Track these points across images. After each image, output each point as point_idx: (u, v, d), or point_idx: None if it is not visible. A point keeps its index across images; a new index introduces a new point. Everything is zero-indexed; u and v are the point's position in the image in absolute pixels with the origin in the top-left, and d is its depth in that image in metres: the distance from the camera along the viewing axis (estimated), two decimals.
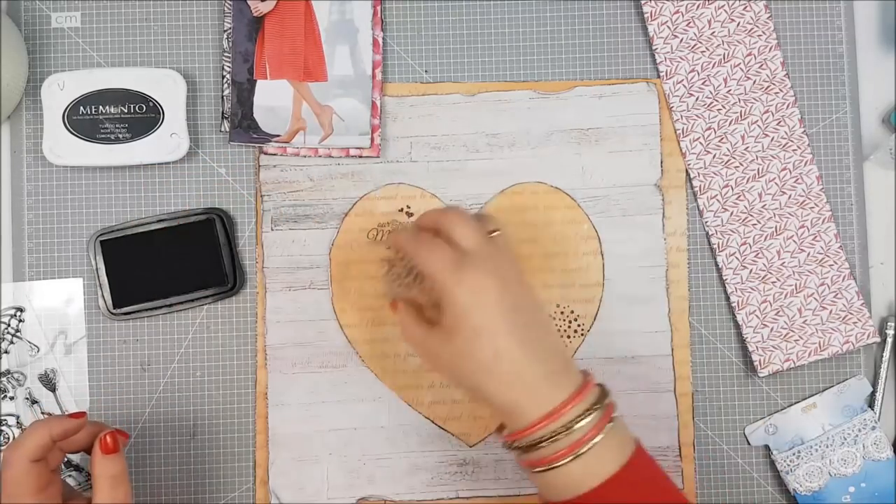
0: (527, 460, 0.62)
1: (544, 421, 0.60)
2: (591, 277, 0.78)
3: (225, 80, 0.77)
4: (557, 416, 0.60)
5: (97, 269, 0.76)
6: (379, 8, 0.78)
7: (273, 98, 0.77)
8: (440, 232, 0.65)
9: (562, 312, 0.78)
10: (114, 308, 0.76)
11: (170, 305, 0.77)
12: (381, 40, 0.78)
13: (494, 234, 0.66)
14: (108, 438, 0.63)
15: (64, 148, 0.75)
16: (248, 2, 0.77)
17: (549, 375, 0.61)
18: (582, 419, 0.60)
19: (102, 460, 0.63)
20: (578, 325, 0.78)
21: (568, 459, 0.60)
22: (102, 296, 0.76)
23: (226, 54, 0.77)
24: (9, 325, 0.76)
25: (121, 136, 0.76)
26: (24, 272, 0.77)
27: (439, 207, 0.66)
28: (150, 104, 0.76)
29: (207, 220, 0.77)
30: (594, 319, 0.78)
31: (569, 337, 0.78)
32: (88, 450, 0.65)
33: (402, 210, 0.78)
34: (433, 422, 0.78)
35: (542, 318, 0.65)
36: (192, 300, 0.77)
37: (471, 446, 0.78)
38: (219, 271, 0.77)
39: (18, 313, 0.77)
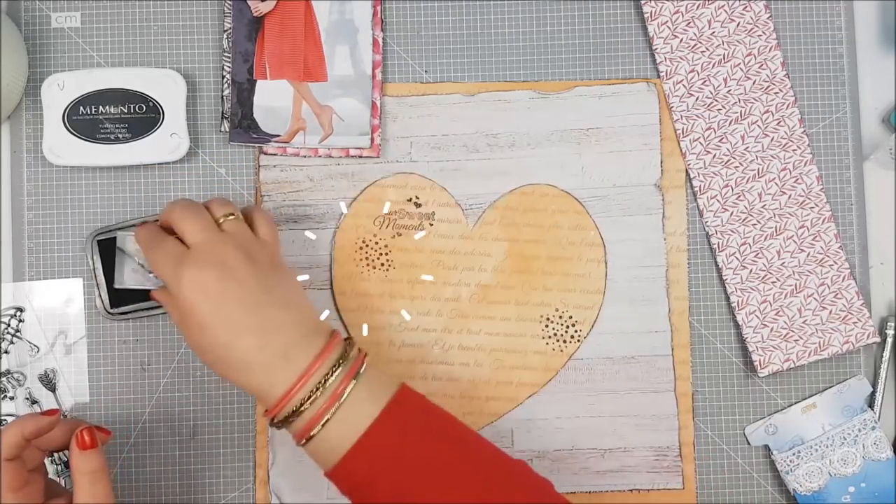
0: (294, 436, 0.63)
1: (291, 391, 0.61)
2: (592, 285, 0.78)
3: (225, 80, 0.77)
4: (303, 383, 0.61)
5: (94, 269, 0.76)
6: (379, 8, 0.78)
7: (273, 98, 0.77)
8: (170, 228, 0.67)
9: (560, 317, 0.78)
10: (111, 308, 0.76)
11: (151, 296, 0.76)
12: (381, 40, 0.78)
13: (228, 218, 0.66)
14: (85, 434, 0.63)
15: (64, 148, 0.75)
16: (249, 2, 0.77)
17: (285, 353, 0.62)
18: (329, 377, 0.61)
19: (80, 456, 0.62)
20: (576, 332, 0.78)
21: (323, 422, 0.61)
22: (99, 295, 0.76)
23: (226, 54, 0.77)
24: (9, 325, 0.76)
25: (121, 136, 0.76)
26: (23, 272, 0.77)
27: (173, 201, 0.67)
28: (150, 104, 0.76)
29: None
30: (592, 326, 0.78)
31: (565, 342, 0.78)
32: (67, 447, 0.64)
33: (410, 200, 0.78)
34: None
35: (277, 292, 0.64)
36: None
37: None
38: None
39: (18, 313, 0.77)
